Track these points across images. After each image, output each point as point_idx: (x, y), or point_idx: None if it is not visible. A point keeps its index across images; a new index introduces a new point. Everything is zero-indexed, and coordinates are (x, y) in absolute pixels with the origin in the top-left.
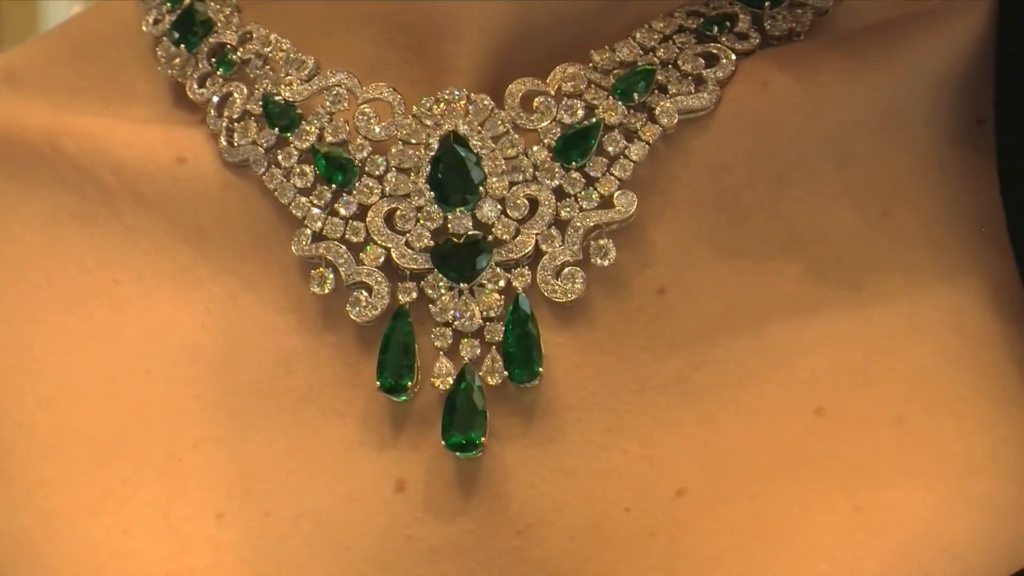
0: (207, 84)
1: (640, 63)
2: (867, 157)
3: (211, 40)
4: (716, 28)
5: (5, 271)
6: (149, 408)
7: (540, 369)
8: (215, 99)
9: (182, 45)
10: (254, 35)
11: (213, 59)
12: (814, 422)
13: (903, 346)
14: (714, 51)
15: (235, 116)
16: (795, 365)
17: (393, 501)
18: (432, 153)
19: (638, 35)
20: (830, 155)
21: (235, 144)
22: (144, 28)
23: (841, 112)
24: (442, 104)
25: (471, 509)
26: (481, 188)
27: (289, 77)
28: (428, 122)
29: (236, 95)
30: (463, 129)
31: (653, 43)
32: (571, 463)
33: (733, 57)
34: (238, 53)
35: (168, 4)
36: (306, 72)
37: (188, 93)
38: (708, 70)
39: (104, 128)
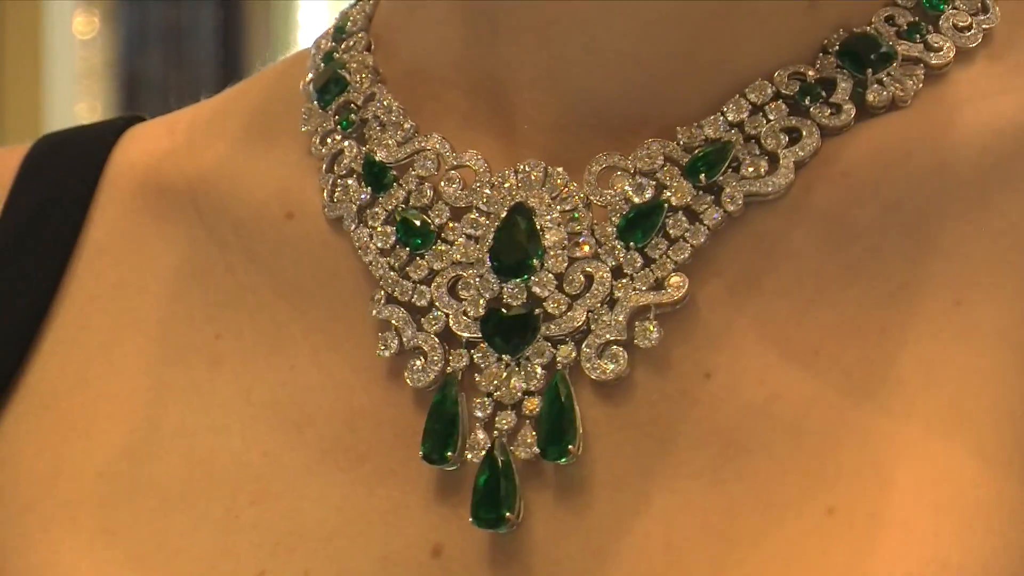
0: (327, 141)
1: (725, 138)
2: (949, 245)
3: (340, 99)
4: (809, 98)
5: (129, 323)
6: (219, 462)
7: (571, 448)
8: (330, 155)
9: (316, 102)
10: (377, 96)
11: (337, 116)
12: (823, 520)
13: (933, 447)
14: (799, 127)
15: (342, 173)
16: (825, 460)
17: (428, 566)
18: (499, 223)
19: (727, 107)
20: (907, 246)
21: (335, 200)
22: (301, 86)
23: (925, 205)
24: (517, 175)
25: None
26: (536, 262)
27: (389, 139)
28: (502, 192)
29: (346, 152)
30: (532, 202)
31: (743, 116)
32: (596, 542)
33: (817, 134)
34: (359, 113)
35: (323, 64)
36: (401, 134)
37: (311, 149)
38: (787, 149)
39: (231, 185)
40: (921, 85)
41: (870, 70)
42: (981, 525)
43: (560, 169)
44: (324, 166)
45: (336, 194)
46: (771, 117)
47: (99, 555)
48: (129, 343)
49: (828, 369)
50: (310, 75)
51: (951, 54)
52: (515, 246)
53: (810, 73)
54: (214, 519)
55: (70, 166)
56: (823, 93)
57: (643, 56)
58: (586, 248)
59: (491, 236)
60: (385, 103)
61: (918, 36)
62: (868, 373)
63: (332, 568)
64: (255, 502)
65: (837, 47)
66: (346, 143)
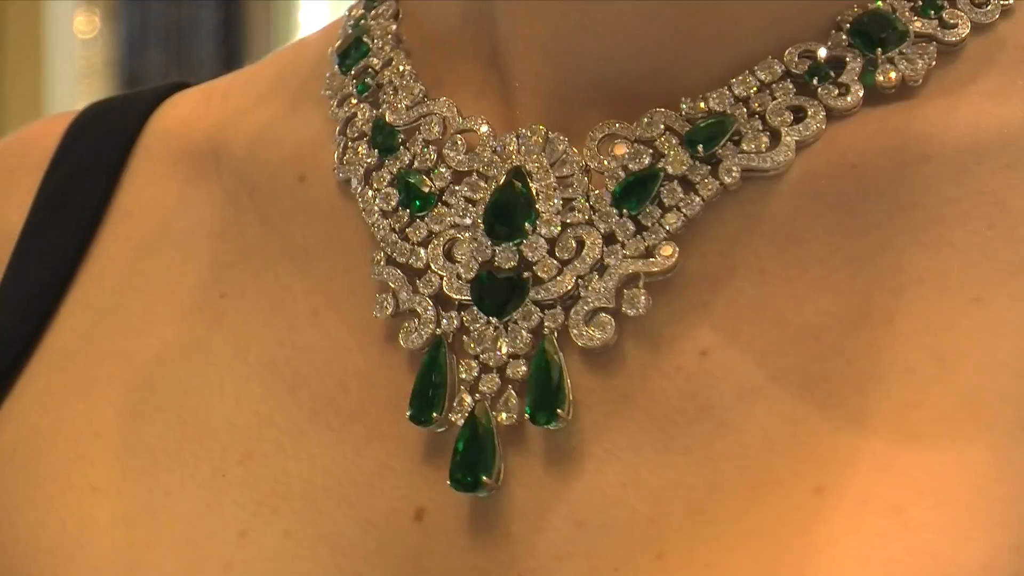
0: (344, 104)
1: (728, 112)
2: (966, 245)
3: (360, 64)
4: (817, 78)
5: (141, 284)
6: (211, 422)
7: (560, 412)
8: (344, 118)
9: (337, 67)
10: (394, 61)
11: (355, 80)
12: (809, 499)
13: (943, 438)
14: (805, 106)
15: (354, 136)
16: (819, 442)
17: (410, 530)
18: (495, 186)
19: (735, 82)
20: (923, 242)
21: (345, 162)
22: (329, 51)
23: (941, 206)
24: (519, 140)
25: (480, 546)
26: (528, 226)
27: (400, 102)
28: (502, 156)
29: (359, 115)
30: (531, 166)
31: (750, 92)
32: (581, 514)
33: (822, 115)
34: (376, 77)
35: (351, 30)
36: (411, 98)
37: (329, 113)
38: (789, 127)
39: (250, 148)
40: (933, 63)
41: (880, 49)
42: (986, 522)
43: (559, 136)
44: (338, 129)
45: (346, 156)
46: (777, 95)
47: (87, 513)
48: (137, 303)
49: (829, 355)
50: (339, 41)
51: (965, 31)
52: (508, 209)
53: (820, 52)
54: (202, 478)
55: (109, 133)
56: (832, 73)
57: (638, 31)
58: (579, 213)
59: (487, 199)
60: (400, 68)
61: (933, 12)
62: (872, 361)
63: (313, 530)
64: (243, 462)
65: (849, 24)
66: (361, 106)
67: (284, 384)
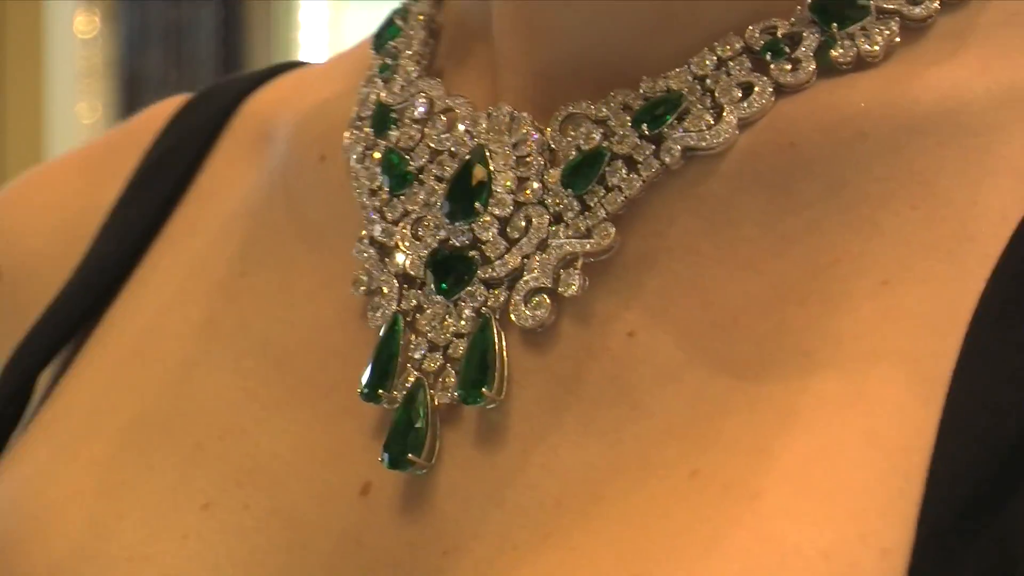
0: (369, 85)
1: (685, 90)
2: (889, 226)
3: (390, 45)
4: (771, 54)
5: (184, 262)
6: (202, 397)
7: (487, 392)
8: (362, 99)
9: (372, 49)
10: (414, 42)
11: (380, 62)
12: (683, 483)
13: (822, 423)
14: (754, 82)
15: (365, 115)
16: (712, 426)
17: (355, 506)
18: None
19: (694, 60)
20: (845, 223)
21: (350, 141)
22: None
23: (871, 187)
24: (490, 119)
25: (414, 522)
26: (478, 205)
27: (397, 82)
28: (473, 135)
29: (371, 96)
30: (493, 146)
31: (707, 70)
32: (501, 494)
33: (769, 91)
34: (397, 58)
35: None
36: (405, 78)
37: (356, 92)
38: (733, 105)
39: (291, 130)
40: (897, 40)
41: (835, 24)
42: (840, 509)
43: (526, 114)
44: (356, 109)
45: (353, 135)
46: (733, 72)
47: (69, 486)
48: (174, 283)
49: (742, 337)
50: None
51: (933, 5)
52: (462, 189)
53: (780, 28)
54: (183, 453)
55: (206, 115)
56: (787, 49)
57: (617, 9)
58: (528, 193)
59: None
60: (413, 48)
61: None
62: (778, 343)
63: (270, 503)
64: (222, 436)
65: (812, 1)
66: (377, 86)
67: (272, 360)
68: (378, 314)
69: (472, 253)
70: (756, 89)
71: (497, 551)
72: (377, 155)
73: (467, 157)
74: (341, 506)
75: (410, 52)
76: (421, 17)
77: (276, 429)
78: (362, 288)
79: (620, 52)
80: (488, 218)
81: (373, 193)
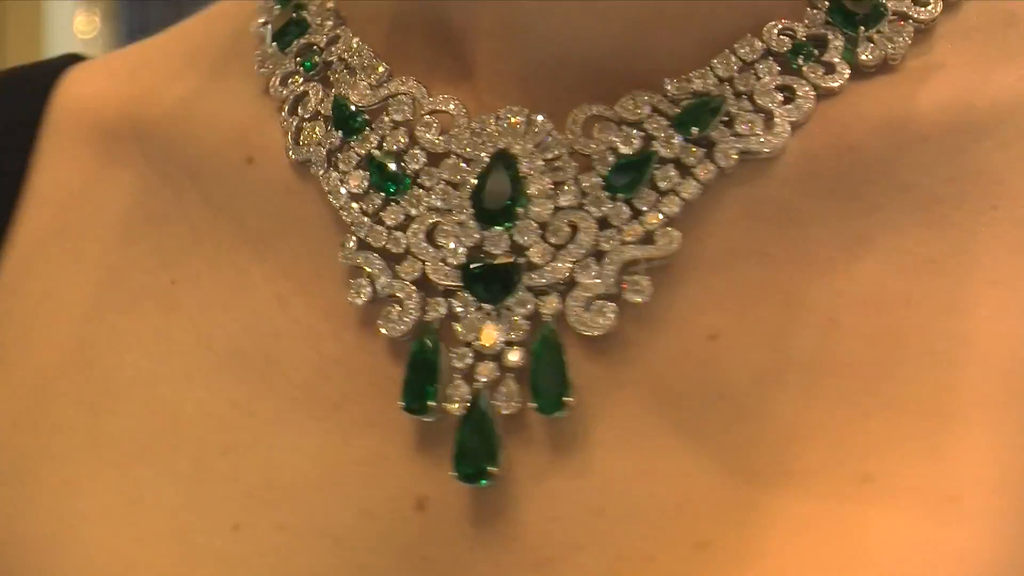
0: (288, 83)
1: (714, 93)
2: (973, 226)
3: (302, 41)
4: (801, 57)
5: (76, 270)
6: (184, 413)
7: (568, 401)
8: (292, 97)
9: (275, 44)
10: (341, 38)
11: (299, 59)
12: (858, 487)
13: (984, 417)
14: (794, 85)
15: (307, 116)
16: (855, 429)
17: (412, 520)
18: (480, 169)
19: (716, 62)
20: (927, 223)
21: (300, 143)
22: (251, 28)
23: (941, 188)
24: (499, 121)
25: (489, 537)
26: (520, 210)
27: (361, 82)
28: (482, 138)
29: (311, 94)
30: (516, 149)
31: (732, 72)
32: (597, 501)
33: (812, 95)
34: (323, 55)
35: (278, 7)
36: (375, 78)
37: (269, 90)
38: (782, 108)
39: (183, 128)
40: (910, 42)
41: (863, 28)
42: (992, 520)
43: (541, 117)
44: (286, 108)
45: (302, 137)
46: (762, 75)
47: (64, 510)
48: (76, 290)
49: (845, 338)
50: (262, 18)
51: (938, 9)
52: (498, 192)
53: (800, 30)
54: (182, 472)
55: (9, 112)
56: (815, 51)
57: (605, 9)
58: (571, 197)
59: (472, 182)
60: (354, 45)
61: None
62: (897, 344)
63: (310, 522)
64: (226, 453)
65: (828, 1)
66: (310, 85)
67: (255, 372)
68: (393, 324)
69: (517, 259)
70: (799, 93)
71: (617, 559)
72: (354, 158)
73: (486, 161)
74: (395, 522)
75: (354, 47)
76: (330, 13)
77: (287, 444)
78: (364, 296)
79: (617, 54)
80: (532, 223)
81: (356, 198)
